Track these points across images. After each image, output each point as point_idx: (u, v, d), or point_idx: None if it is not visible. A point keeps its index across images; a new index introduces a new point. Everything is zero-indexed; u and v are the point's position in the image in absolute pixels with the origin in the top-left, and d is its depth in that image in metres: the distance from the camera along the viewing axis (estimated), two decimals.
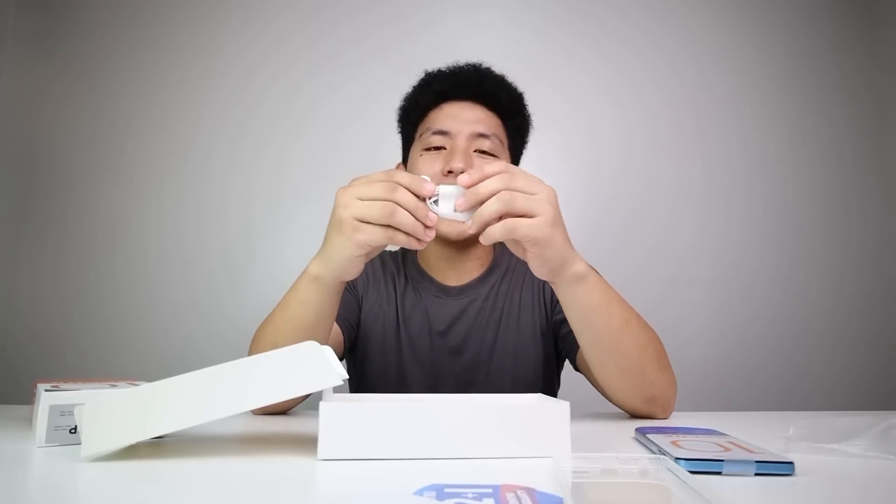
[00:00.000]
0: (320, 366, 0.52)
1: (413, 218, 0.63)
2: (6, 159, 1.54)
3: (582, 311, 0.73)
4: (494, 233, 0.63)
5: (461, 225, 0.66)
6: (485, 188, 0.63)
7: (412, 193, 0.64)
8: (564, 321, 0.85)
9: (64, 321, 1.50)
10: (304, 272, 0.73)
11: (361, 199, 0.64)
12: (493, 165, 0.64)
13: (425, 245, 0.66)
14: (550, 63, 1.60)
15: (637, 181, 1.58)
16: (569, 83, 1.60)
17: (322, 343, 0.72)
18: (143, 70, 1.58)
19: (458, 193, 0.64)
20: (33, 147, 1.55)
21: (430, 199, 0.65)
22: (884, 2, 1.63)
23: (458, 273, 0.99)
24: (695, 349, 1.51)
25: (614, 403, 0.80)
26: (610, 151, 1.59)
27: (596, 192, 1.57)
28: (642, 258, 1.55)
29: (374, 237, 0.64)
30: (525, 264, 1.01)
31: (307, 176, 1.56)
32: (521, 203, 0.63)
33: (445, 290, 0.99)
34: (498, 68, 1.01)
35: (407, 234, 0.64)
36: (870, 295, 1.56)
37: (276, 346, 0.71)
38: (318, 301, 0.72)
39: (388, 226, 0.63)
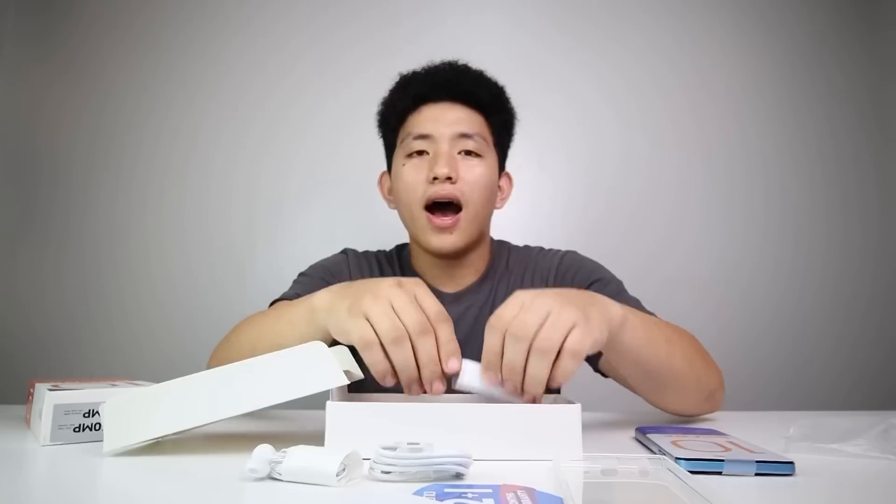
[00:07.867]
0: (328, 366, 0.53)
1: (415, 366, 0.56)
2: (7, 159, 1.54)
3: (633, 357, 0.65)
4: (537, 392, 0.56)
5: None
6: (507, 372, 0.56)
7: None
8: None
9: (64, 320, 1.50)
10: (310, 298, 0.67)
11: (391, 320, 0.55)
12: (489, 334, 0.57)
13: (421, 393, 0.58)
14: (551, 64, 1.60)
15: (637, 182, 1.58)
16: (569, 84, 1.60)
17: None
18: (144, 71, 1.58)
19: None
20: (34, 147, 1.55)
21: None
22: (884, 2, 1.63)
23: (454, 280, 0.97)
24: None
25: (673, 414, 0.77)
26: (610, 152, 1.59)
27: (596, 192, 1.57)
28: (643, 258, 1.54)
29: (371, 357, 0.55)
30: (521, 269, 1.00)
31: (308, 176, 1.57)
32: (539, 362, 0.54)
33: (441, 297, 0.98)
34: (498, 69, 0.99)
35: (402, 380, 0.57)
36: (869, 295, 1.56)
37: (253, 349, 0.67)
38: (298, 326, 0.66)
39: (388, 357, 0.56)
